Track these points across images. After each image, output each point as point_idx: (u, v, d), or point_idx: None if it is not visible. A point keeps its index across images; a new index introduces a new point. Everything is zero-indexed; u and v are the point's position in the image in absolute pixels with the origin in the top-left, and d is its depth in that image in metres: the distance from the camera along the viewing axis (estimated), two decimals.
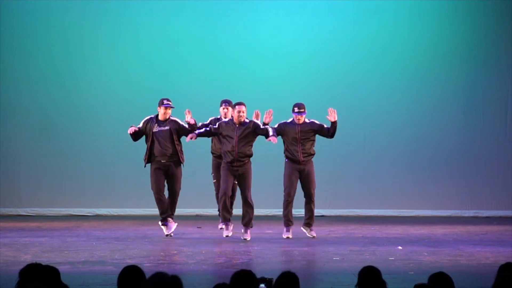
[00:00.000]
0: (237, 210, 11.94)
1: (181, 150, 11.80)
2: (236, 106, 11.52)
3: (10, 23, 15.31)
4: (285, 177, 11.73)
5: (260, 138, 11.68)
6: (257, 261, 9.79)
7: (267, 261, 9.69)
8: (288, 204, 11.70)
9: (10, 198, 15.36)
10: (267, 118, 11.52)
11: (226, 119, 11.67)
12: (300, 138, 11.61)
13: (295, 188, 11.73)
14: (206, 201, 14.32)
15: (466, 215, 15.38)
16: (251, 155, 11.52)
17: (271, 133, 11.37)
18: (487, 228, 13.41)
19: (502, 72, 15.51)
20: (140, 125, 11.86)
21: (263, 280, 5.31)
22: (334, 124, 11.60)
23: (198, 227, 12.79)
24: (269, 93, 14.99)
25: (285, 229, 11.79)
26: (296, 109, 11.67)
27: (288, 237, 11.69)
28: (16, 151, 15.37)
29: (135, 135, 11.89)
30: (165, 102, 11.82)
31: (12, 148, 15.37)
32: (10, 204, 15.34)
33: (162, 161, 11.72)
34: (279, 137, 11.70)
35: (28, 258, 9.67)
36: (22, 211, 15.31)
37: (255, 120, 11.53)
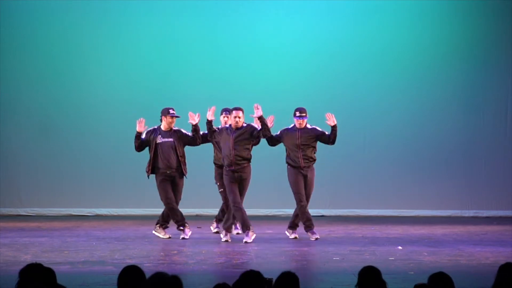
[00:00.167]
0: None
1: (184, 162, 11.74)
2: (233, 111, 11.46)
3: (10, 23, 15.31)
4: (292, 183, 11.67)
5: (262, 142, 11.66)
6: (257, 261, 9.78)
7: (267, 261, 9.69)
8: (304, 208, 11.64)
9: (10, 198, 15.36)
10: (268, 123, 11.45)
11: (226, 126, 11.64)
12: (301, 144, 11.59)
13: (304, 190, 11.68)
14: (206, 201, 14.34)
15: (466, 215, 15.38)
16: (249, 159, 11.46)
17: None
18: (487, 228, 13.41)
19: (502, 72, 15.51)
20: (144, 136, 11.73)
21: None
22: (334, 128, 11.58)
23: (198, 227, 12.79)
24: (269, 93, 14.99)
25: (309, 233, 11.72)
26: (297, 114, 11.65)
27: (317, 238, 11.65)
28: (16, 151, 15.37)
29: (140, 145, 11.75)
30: (171, 111, 11.67)
31: (12, 148, 15.37)
32: (10, 204, 15.34)
33: (167, 172, 11.68)
34: (281, 144, 11.71)
35: (28, 258, 9.67)
36: (22, 211, 15.31)
37: (252, 124, 11.52)
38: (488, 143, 15.52)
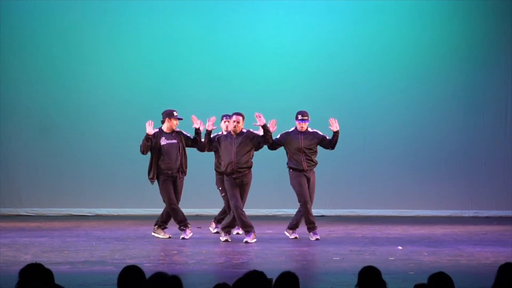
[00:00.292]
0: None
1: (186, 163, 11.79)
2: (234, 116, 11.44)
3: (10, 23, 15.30)
4: (296, 185, 11.64)
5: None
6: (257, 261, 9.78)
7: (267, 261, 9.69)
8: (309, 210, 11.61)
9: (10, 198, 15.36)
10: (271, 127, 11.44)
11: (225, 133, 11.60)
12: (303, 147, 11.59)
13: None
14: (206, 201, 14.34)
15: (466, 215, 15.38)
16: (250, 166, 11.45)
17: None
18: (487, 228, 13.41)
19: (502, 72, 15.51)
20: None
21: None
22: (336, 134, 11.61)
23: (198, 227, 12.78)
24: (269, 93, 15.00)
25: (311, 233, 11.73)
26: (299, 117, 11.63)
27: (317, 239, 11.64)
28: (16, 151, 15.36)
29: (148, 148, 11.64)
30: (175, 114, 11.68)
31: (12, 148, 15.36)
32: (10, 204, 15.34)
33: (169, 172, 11.68)
34: (282, 147, 11.69)
35: (28, 258, 9.67)
36: (22, 211, 15.31)
37: (252, 130, 11.50)
38: (488, 143, 15.52)
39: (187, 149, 11.84)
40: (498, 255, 10.20)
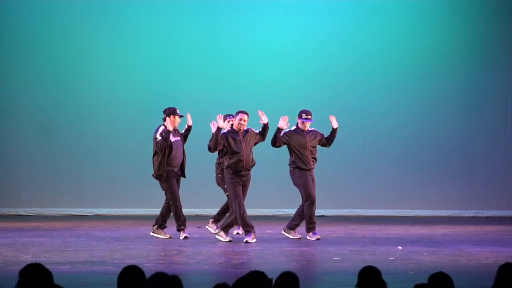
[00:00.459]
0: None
1: (185, 161, 11.85)
2: (239, 114, 11.45)
3: (10, 23, 15.30)
4: (302, 184, 11.63)
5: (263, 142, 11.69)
6: (257, 261, 9.79)
7: (267, 261, 9.70)
8: (313, 210, 11.62)
9: (10, 198, 15.35)
10: (284, 124, 11.44)
11: (225, 130, 11.55)
12: (309, 145, 11.63)
13: None
14: (206, 201, 14.33)
15: (466, 215, 15.38)
16: (254, 164, 11.56)
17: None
18: (487, 228, 13.41)
19: (502, 72, 15.51)
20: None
21: None
22: (335, 131, 11.69)
23: (198, 227, 12.79)
24: (269, 93, 14.99)
25: (311, 233, 11.72)
26: (304, 116, 11.65)
27: (318, 238, 11.65)
28: (16, 151, 15.36)
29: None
30: (178, 111, 11.67)
31: (12, 148, 15.36)
32: (10, 204, 15.34)
33: (175, 169, 11.71)
34: (285, 145, 11.69)
35: (28, 258, 9.68)
36: (22, 211, 15.31)
37: (251, 128, 11.53)
38: (488, 143, 15.52)
39: (189, 151, 11.88)
40: (498, 255, 10.20)
